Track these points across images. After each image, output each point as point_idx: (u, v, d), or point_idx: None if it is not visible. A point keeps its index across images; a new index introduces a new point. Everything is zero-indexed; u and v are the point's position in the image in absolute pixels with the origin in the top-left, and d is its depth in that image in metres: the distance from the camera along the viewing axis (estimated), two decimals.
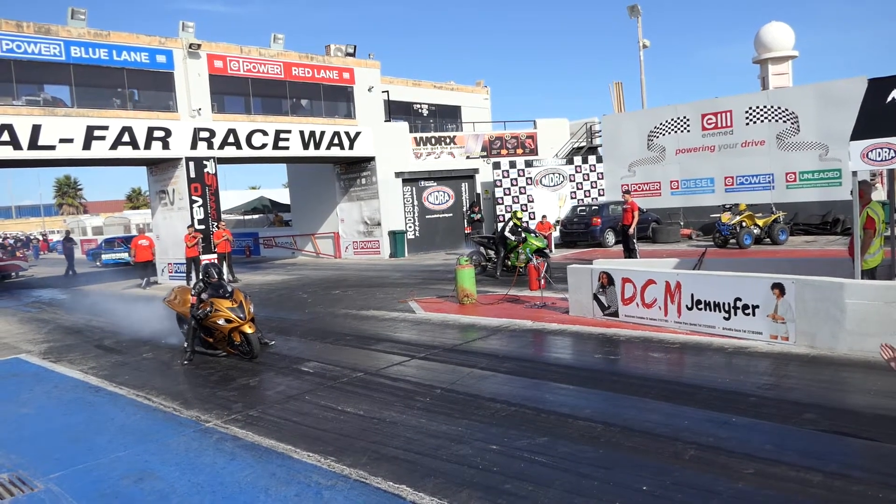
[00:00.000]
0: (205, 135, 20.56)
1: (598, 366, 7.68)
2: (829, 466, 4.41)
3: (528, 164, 25.47)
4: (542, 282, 12.23)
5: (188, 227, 19.43)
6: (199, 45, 20.41)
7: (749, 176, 21.98)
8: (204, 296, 9.09)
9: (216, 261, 19.88)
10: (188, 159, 20.13)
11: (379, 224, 25.21)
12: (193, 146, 20.31)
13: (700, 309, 8.51)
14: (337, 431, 5.89)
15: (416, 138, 26.33)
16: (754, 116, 21.77)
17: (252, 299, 9.41)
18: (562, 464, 4.81)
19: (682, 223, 22.85)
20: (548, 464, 4.83)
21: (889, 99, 7.81)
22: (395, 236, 24.88)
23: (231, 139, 21.16)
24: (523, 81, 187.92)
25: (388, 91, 26.71)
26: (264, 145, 21.95)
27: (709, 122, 22.79)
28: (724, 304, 8.23)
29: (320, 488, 4.69)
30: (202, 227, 20.09)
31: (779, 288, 7.65)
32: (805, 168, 20.84)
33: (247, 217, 39.21)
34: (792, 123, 21.02)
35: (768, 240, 18.90)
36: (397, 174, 25.49)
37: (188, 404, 7.11)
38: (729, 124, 22.33)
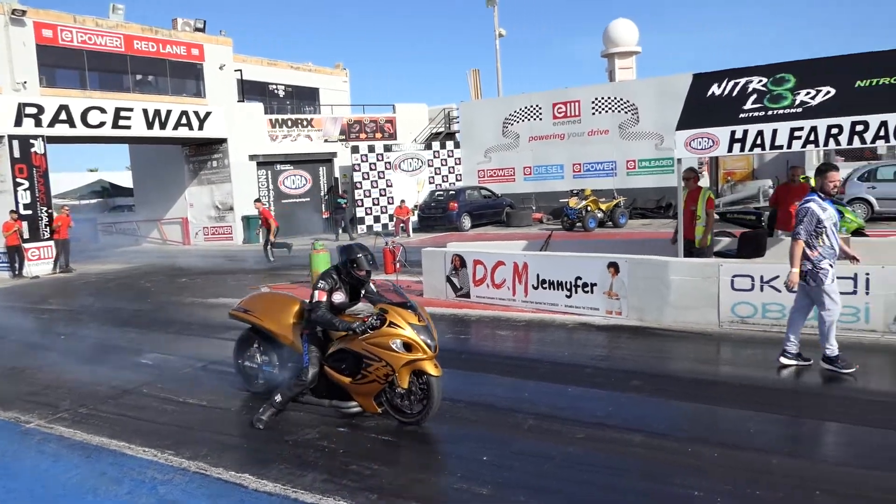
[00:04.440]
0: (31, 111, 18.71)
1: (449, 345, 7.82)
2: (650, 427, 4.81)
3: (387, 148, 25.46)
4: (397, 265, 12.30)
5: (11, 212, 17.58)
6: (23, 12, 18.51)
7: (595, 163, 23.29)
8: (338, 296, 5.27)
9: (56, 248, 18.25)
10: (11, 137, 18.21)
11: (231, 209, 24.22)
12: (18, 123, 18.42)
13: (545, 288, 8.93)
14: (177, 424, 5.60)
15: (271, 120, 25.47)
16: (600, 107, 23.07)
17: (87, 289, 8.48)
18: (407, 441, 4.88)
19: (534, 207, 23.81)
20: (394, 442, 4.88)
21: (709, 93, 8.57)
22: (249, 221, 23.98)
23: (63, 116, 19.41)
24: (383, 65, 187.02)
25: (241, 70, 25.64)
26: (102, 124, 20.34)
27: (559, 111, 23.86)
28: (566, 282, 8.69)
29: (156, 483, 4.45)
30: (29, 212, 18.29)
31: (614, 266, 8.20)
32: (643, 156, 22.41)
33: (83, 202, 36.23)
34: (633, 114, 22.50)
35: (610, 223, 20.20)
36: (251, 157, 24.56)
37: (6, 405, 6.45)
38: (577, 114, 23.50)
